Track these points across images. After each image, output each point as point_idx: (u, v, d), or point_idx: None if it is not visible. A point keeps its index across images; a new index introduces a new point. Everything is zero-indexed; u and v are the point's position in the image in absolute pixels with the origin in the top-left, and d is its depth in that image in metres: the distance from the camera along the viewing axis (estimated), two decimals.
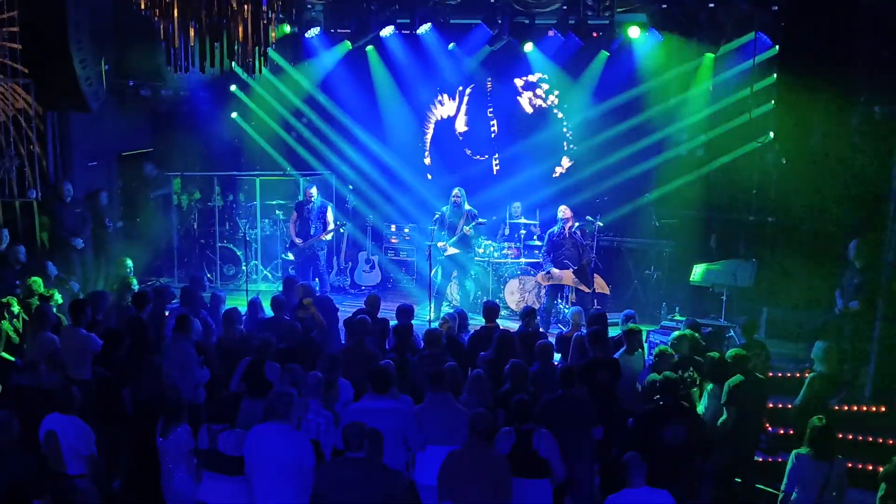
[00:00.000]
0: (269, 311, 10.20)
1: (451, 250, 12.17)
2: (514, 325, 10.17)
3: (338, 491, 5.71)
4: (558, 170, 14.67)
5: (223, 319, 9.04)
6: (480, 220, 12.34)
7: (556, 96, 14.46)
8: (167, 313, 9.46)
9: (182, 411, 6.64)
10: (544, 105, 14.59)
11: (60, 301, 9.28)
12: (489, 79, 14.77)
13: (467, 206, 12.38)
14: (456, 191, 12.45)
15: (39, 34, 10.60)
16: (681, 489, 6.18)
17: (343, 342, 9.16)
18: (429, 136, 15.44)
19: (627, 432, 7.32)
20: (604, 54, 13.37)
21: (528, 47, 13.34)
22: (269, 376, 7.52)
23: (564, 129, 14.60)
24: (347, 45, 13.98)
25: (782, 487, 6.57)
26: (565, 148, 14.63)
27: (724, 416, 7.60)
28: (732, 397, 7.58)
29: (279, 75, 14.78)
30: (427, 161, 15.48)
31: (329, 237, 13.03)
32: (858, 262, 9.78)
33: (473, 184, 13.96)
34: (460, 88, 15.00)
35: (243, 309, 9.70)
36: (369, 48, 14.20)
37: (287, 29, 12.70)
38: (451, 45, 13.78)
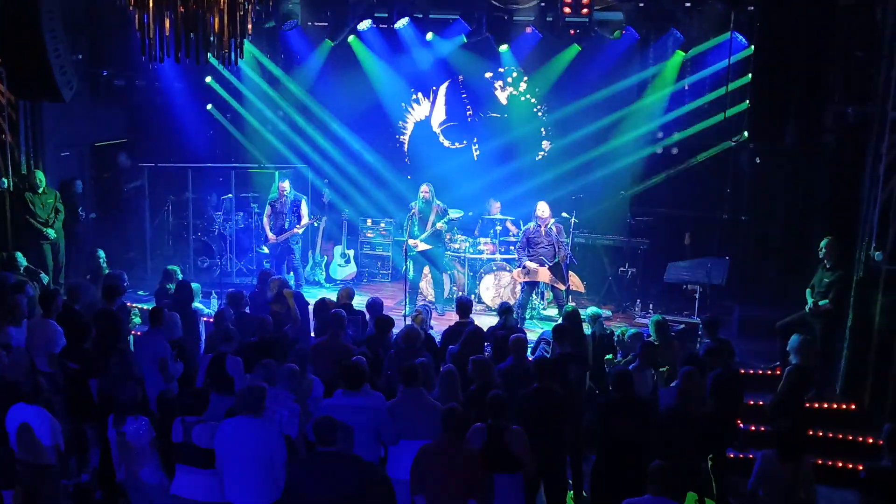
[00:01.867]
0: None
1: (422, 246, 12.10)
2: (489, 321, 10.19)
3: (309, 485, 5.71)
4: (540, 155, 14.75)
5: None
6: (451, 214, 12.28)
7: (527, 83, 14.49)
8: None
9: (138, 405, 6.59)
10: (516, 92, 14.63)
11: (32, 293, 9.18)
12: (460, 76, 14.83)
13: (437, 202, 12.28)
14: (424, 186, 12.20)
15: (12, 22, 10.45)
16: (634, 482, 6.22)
17: (315, 337, 9.14)
18: (406, 138, 15.43)
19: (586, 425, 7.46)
20: (575, 48, 13.40)
21: (504, 47, 13.34)
22: (230, 370, 7.48)
23: (542, 130, 14.68)
24: (329, 43, 13.91)
25: (748, 486, 6.63)
26: (544, 147, 14.69)
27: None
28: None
29: (257, 70, 14.70)
30: (407, 161, 15.45)
31: (301, 230, 12.94)
32: (829, 261, 9.87)
33: (452, 179, 13.96)
34: (434, 88, 15.03)
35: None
36: (352, 39, 14.10)
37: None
38: (429, 36, 13.73)
